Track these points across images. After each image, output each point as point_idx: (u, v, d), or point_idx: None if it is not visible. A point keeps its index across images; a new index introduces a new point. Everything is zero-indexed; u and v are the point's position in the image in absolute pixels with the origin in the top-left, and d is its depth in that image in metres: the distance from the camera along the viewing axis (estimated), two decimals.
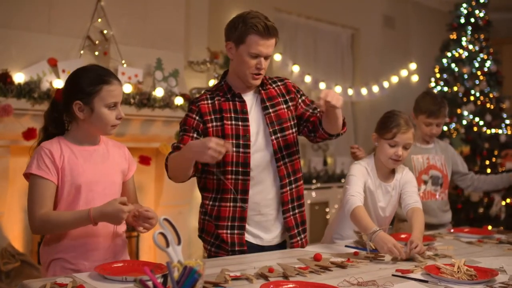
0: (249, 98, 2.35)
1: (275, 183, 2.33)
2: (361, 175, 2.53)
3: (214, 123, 2.28)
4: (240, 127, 2.29)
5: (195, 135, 2.27)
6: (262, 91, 2.38)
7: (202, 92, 2.42)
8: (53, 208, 1.96)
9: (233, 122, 2.29)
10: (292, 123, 2.38)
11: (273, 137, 2.33)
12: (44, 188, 1.93)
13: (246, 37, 2.22)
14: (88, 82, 1.97)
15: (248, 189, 2.28)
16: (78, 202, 1.97)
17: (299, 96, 2.46)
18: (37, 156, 1.95)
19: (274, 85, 2.43)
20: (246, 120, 2.30)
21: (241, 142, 2.26)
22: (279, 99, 2.39)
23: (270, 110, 2.36)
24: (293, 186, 2.36)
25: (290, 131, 2.37)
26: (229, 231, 2.27)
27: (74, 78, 2.01)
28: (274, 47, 2.30)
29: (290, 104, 2.41)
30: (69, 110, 2.00)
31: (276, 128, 2.34)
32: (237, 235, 2.27)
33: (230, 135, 2.26)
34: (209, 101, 2.32)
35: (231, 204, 2.27)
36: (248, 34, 2.21)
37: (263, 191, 2.31)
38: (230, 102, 2.31)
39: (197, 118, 2.28)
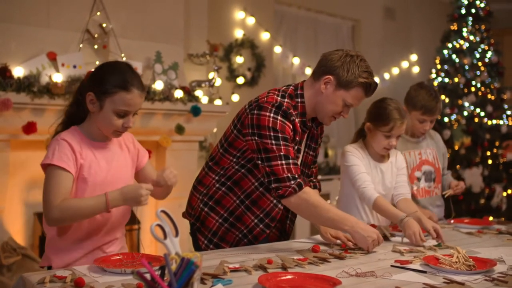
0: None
1: None
2: (360, 163, 2.62)
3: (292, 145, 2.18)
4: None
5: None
6: (313, 128, 2.31)
7: (283, 99, 2.15)
8: None
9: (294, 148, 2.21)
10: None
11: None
12: (64, 179, 1.87)
13: (354, 88, 2.12)
14: (108, 80, 1.91)
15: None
16: None
17: (320, 142, 2.44)
18: (58, 147, 1.89)
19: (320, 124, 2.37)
20: (299, 151, 2.27)
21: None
22: (315, 143, 2.37)
23: (311, 153, 2.35)
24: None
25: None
26: (240, 235, 2.27)
27: (99, 70, 1.96)
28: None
29: (315, 148, 2.40)
30: (83, 99, 1.95)
31: (306, 171, 2.37)
32: (243, 244, 2.27)
33: None
34: (297, 119, 2.17)
35: (255, 219, 2.25)
36: (357, 86, 2.12)
37: None
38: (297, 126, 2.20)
39: (291, 130, 2.14)
